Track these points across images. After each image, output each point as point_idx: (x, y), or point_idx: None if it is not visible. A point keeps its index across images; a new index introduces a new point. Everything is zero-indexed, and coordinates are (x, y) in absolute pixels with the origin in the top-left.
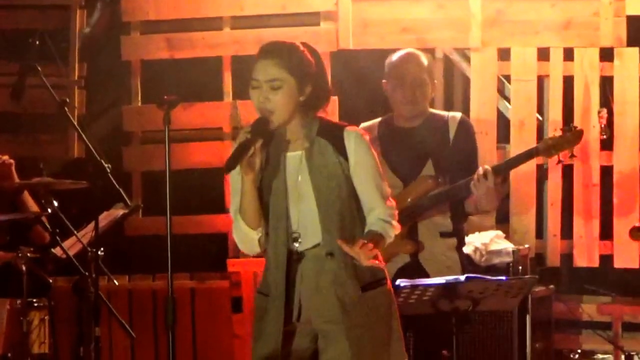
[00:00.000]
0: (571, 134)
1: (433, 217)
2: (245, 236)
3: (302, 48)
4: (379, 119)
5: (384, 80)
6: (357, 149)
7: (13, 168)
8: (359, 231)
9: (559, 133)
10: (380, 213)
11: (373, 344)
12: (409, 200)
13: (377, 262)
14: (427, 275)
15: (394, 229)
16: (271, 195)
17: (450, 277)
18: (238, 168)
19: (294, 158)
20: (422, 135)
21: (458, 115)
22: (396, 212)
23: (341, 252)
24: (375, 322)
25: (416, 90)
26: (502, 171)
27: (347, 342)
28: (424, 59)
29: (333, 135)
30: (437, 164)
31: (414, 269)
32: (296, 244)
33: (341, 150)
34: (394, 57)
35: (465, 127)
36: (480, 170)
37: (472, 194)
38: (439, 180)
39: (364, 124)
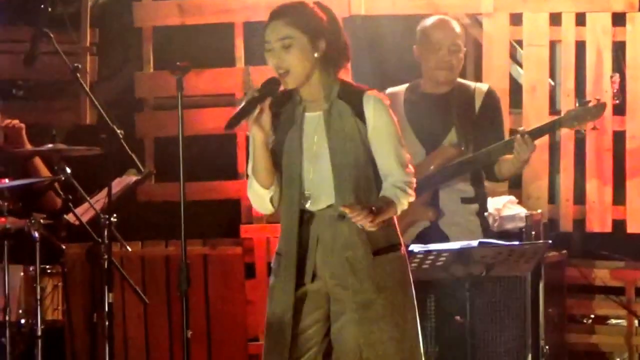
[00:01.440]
0: (594, 107)
1: (454, 184)
2: (258, 195)
3: (311, 5)
4: (406, 85)
5: (415, 46)
6: (376, 113)
7: (23, 132)
8: (375, 197)
9: (572, 97)
10: (395, 180)
11: (386, 309)
12: (431, 168)
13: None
14: (447, 240)
15: (408, 197)
16: (286, 154)
17: (464, 243)
18: (255, 126)
19: (312, 119)
20: (448, 102)
21: (485, 86)
22: (413, 180)
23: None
24: (389, 288)
25: (452, 56)
26: (536, 137)
27: (354, 307)
28: (457, 26)
29: (353, 98)
30: (461, 132)
31: (435, 234)
32: (308, 204)
33: (360, 114)
34: (428, 22)
35: (492, 98)
36: (521, 131)
37: (498, 160)
38: (462, 149)
39: (390, 89)
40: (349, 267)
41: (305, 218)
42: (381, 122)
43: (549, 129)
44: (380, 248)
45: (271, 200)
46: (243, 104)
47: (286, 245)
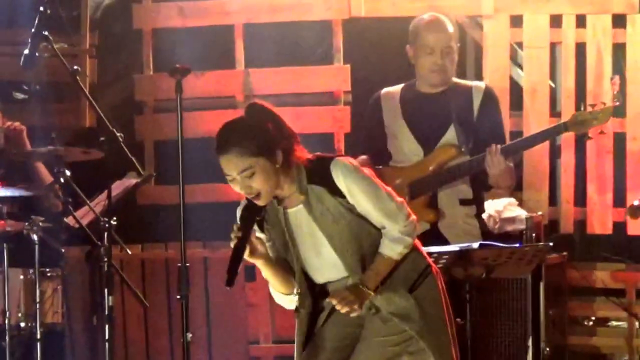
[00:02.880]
0: (601, 111)
1: (453, 185)
2: (284, 301)
3: (248, 120)
4: (402, 84)
5: (407, 46)
6: (346, 181)
7: (24, 135)
8: None
9: (573, 99)
10: (387, 232)
11: (441, 332)
12: (430, 168)
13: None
14: (447, 242)
15: (405, 243)
16: (287, 252)
17: (464, 244)
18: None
19: (295, 213)
20: (445, 101)
21: (482, 84)
22: (408, 223)
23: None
24: (436, 312)
25: (446, 59)
26: (512, 151)
27: (419, 337)
28: (450, 25)
29: (322, 178)
30: (460, 131)
31: (433, 236)
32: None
33: (335, 190)
34: (421, 23)
35: (490, 96)
36: (493, 148)
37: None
38: (462, 150)
39: (386, 89)
40: (399, 321)
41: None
42: (353, 187)
43: (555, 133)
44: (414, 283)
45: (295, 296)
46: (231, 253)
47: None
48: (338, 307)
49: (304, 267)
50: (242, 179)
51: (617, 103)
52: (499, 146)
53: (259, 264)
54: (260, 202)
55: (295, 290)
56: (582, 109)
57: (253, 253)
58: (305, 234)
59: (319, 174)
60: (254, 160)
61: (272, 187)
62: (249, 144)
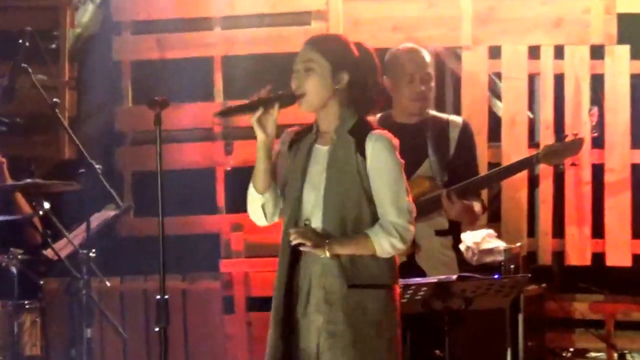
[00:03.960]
0: (572, 143)
1: (428, 216)
2: (252, 200)
3: (347, 41)
4: (378, 115)
5: (384, 77)
6: (374, 152)
7: (5, 167)
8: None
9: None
10: (384, 220)
11: (354, 346)
12: None
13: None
14: (424, 274)
15: (391, 239)
16: (289, 181)
17: (442, 276)
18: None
19: (321, 151)
20: (421, 133)
21: (460, 119)
22: (407, 226)
23: None
24: (359, 323)
25: (424, 85)
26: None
27: (325, 335)
28: (427, 54)
29: (360, 134)
30: (435, 164)
31: (411, 268)
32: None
33: (362, 151)
34: (399, 52)
35: (467, 132)
36: (444, 192)
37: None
38: (436, 183)
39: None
40: (324, 296)
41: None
42: (379, 161)
43: (526, 165)
44: (360, 283)
45: (263, 208)
46: (248, 100)
47: (278, 277)
48: (292, 237)
49: (299, 201)
50: (301, 72)
51: (596, 134)
52: (450, 190)
53: (260, 137)
54: (301, 106)
55: (267, 196)
56: (560, 140)
57: (262, 118)
58: (314, 173)
59: (359, 131)
60: (321, 60)
61: (319, 98)
62: (326, 47)
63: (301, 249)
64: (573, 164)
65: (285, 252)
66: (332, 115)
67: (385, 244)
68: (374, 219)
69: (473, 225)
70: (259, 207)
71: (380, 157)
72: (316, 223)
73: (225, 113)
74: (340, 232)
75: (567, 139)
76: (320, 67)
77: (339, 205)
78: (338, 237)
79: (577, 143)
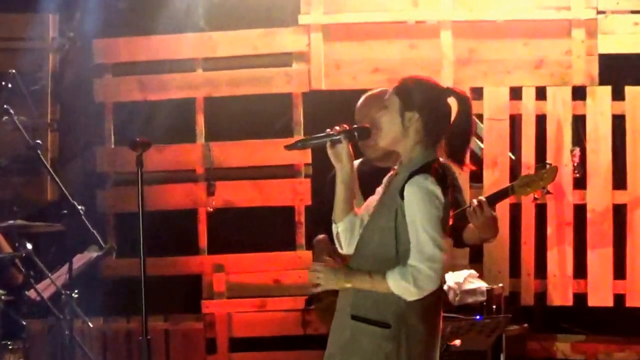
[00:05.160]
0: (545, 172)
1: None
2: (332, 228)
3: (427, 82)
4: (361, 159)
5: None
6: (407, 196)
7: None
8: (391, 266)
9: (532, 171)
10: (406, 263)
11: None
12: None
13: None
14: None
15: (402, 282)
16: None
17: None
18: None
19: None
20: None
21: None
22: (426, 271)
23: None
24: (348, 353)
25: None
26: (492, 202)
27: (326, 355)
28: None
29: (412, 174)
30: None
31: None
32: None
33: (402, 192)
34: (361, 100)
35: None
36: (475, 201)
37: (465, 228)
38: None
39: None
40: (336, 317)
41: None
42: (410, 206)
43: (502, 196)
44: (365, 317)
45: (337, 237)
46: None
47: None
48: (310, 276)
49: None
50: (382, 108)
51: (578, 175)
52: (482, 198)
53: (336, 167)
54: (378, 141)
55: (341, 225)
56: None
57: (334, 146)
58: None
59: (415, 171)
60: (394, 98)
61: (390, 135)
62: (403, 86)
63: (314, 290)
64: (549, 193)
65: None
66: (404, 153)
67: (397, 287)
68: (401, 254)
69: (494, 238)
70: (335, 236)
71: (412, 201)
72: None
73: (300, 145)
74: (369, 265)
75: (541, 169)
76: (392, 105)
77: (372, 239)
78: (357, 271)
79: (551, 171)
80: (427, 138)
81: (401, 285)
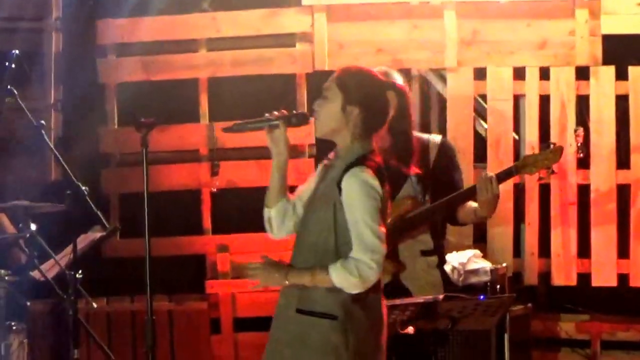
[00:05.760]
0: (550, 151)
1: (413, 236)
2: (264, 212)
3: (369, 75)
4: None
5: None
6: (345, 186)
7: None
8: (331, 260)
9: (537, 151)
10: (349, 256)
11: None
12: (388, 221)
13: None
14: (409, 294)
15: (347, 275)
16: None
17: (429, 297)
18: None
19: (328, 175)
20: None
21: (438, 138)
22: (369, 263)
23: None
24: (297, 347)
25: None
26: (502, 179)
27: (265, 353)
28: (398, 77)
29: (348, 166)
30: (416, 183)
31: (396, 289)
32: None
33: (340, 182)
34: None
35: (446, 149)
36: (487, 175)
37: (460, 206)
38: (419, 200)
39: None
40: (277, 313)
41: None
42: (349, 196)
43: (507, 176)
44: (310, 310)
45: (269, 222)
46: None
47: None
48: (248, 273)
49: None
50: (320, 97)
51: (581, 155)
52: (492, 174)
53: (273, 151)
54: (316, 129)
55: (273, 210)
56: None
57: (272, 131)
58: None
59: (352, 163)
60: (335, 90)
61: (327, 126)
62: (345, 78)
63: (254, 288)
64: (553, 172)
65: None
66: (342, 145)
67: (341, 281)
68: (340, 247)
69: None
70: (266, 219)
71: (350, 193)
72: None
73: (236, 128)
74: (309, 256)
75: (544, 149)
76: (333, 97)
77: (311, 231)
78: (299, 267)
79: (555, 151)
80: (365, 131)
81: (344, 278)
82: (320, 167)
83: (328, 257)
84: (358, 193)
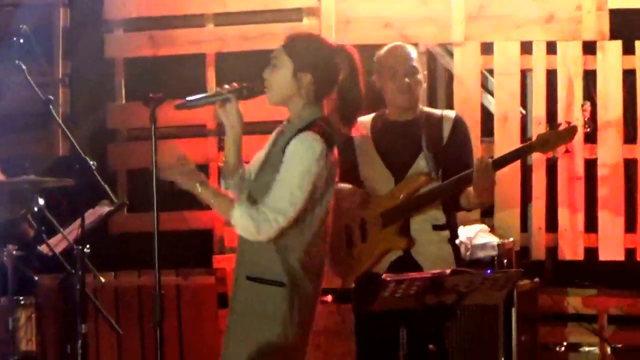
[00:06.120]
0: (565, 130)
1: (425, 211)
2: (222, 185)
3: (321, 42)
4: (372, 114)
5: (373, 76)
6: (288, 150)
7: None
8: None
9: (544, 127)
10: (259, 206)
11: (243, 335)
12: (401, 197)
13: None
14: (420, 269)
15: (247, 226)
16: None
17: (436, 271)
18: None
19: (278, 141)
20: (415, 129)
21: (452, 113)
22: (271, 225)
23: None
24: (250, 315)
25: (409, 78)
26: (500, 165)
27: (227, 322)
28: (413, 51)
29: (298, 131)
30: (429, 159)
31: (406, 263)
32: None
33: (286, 147)
34: (383, 51)
35: (460, 125)
36: (484, 161)
37: (465, 188)
38: (432, 176)
39: (359, 119)
40: (234, 282)
41: None
42: (287, 156)
43: (521, 154)
44: (260, 277)
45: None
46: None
47: None
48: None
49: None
50: (270, 66)
51: (588, 129)
52: (488, 160)
53: (225, 124)
54: (268, 98)
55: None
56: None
57: (223, 105)
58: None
59: (299, 129)
60: (285, 59)
61: (279, 94)
62: (294, 45)
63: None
64: (567, 151)
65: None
66: (294, 111)
67: (239, 221)
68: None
69: (486, 205)
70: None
71: (292, 154)
72: None
73: (189, 104)
74: None
75: (561, 127)
76: (283, 66)
77: (257, 195)
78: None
79: (571, 130)
80: (316, 97)
81: (244, 222)
82: (274, 133)
83: None
84: (298, 156)
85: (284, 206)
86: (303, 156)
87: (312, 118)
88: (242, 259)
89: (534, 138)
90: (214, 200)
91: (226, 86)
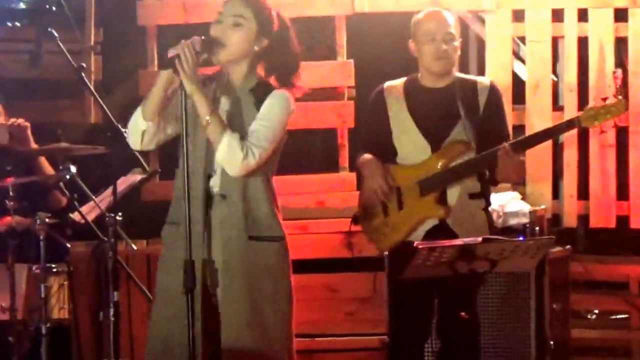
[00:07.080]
0: (613, 105)
1: (461, 180)
2: (135, 124)
3: (271, 8)
4: (404, 78)
5: (410, 41)
6: (271, 98)
7: (29, 131)
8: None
9: (575, 93)
10: (248, 140)
11: (248, 294)
12: (439, 165)
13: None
14: (456, 237)
15: (235, 155)
16: (199, 126)
17: (468, 239)
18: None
19: (223, 105)
20: (451, 96)
21: (487, 80)
22: (255, 160)
23: (235, 196)
24: (258, 274)
25: (447, 44)
26: (524, 147)
27: (222, 286)
28: (451, 17)
29: (261, 93)
30: (468, 127)
31: (443, 232)
32: (211, 181)
33: (260, 105)
34: (421, 15)
35: (495, 93)
36: (506, 147)
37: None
38: (471, 144)
39: (388, 83)
40: (223, 248)
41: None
42: (271, 104)
43: (567, 128)
44: (259, 235)
45: (142, 135)
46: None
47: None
48: (177, 49)
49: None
50: (229, 24)
51: (620, 97)
52: (508, 145)
53: (168, 76)
54: (218, 54)
55: (151, 124)
56: (587, 103)
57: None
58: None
59: (263, 89)
60: (251, 18)
61: (238, 53)
62: (258, 5)
63: (180, 77)
64: (615, 126)
65: (198, 204)
66: (240, 73)
67: (227, 148)
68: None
69: (518, 182)
70: (139, 132)
71: (274, 103)
72: (216, 176)
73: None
74: (237, 184)
75: (608, 102)
76: (248, 25)
77: None
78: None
79: (620, 105)
80: (270, 62)
81: (232, 150)
82: (207, 91)
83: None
84: (280, 106)
85: (267, 145)
86: (283, 106)
87: (260, 79)
88: (236, 220)
89: (565, 106)
90: (211, 118)
91: (183, 40)
